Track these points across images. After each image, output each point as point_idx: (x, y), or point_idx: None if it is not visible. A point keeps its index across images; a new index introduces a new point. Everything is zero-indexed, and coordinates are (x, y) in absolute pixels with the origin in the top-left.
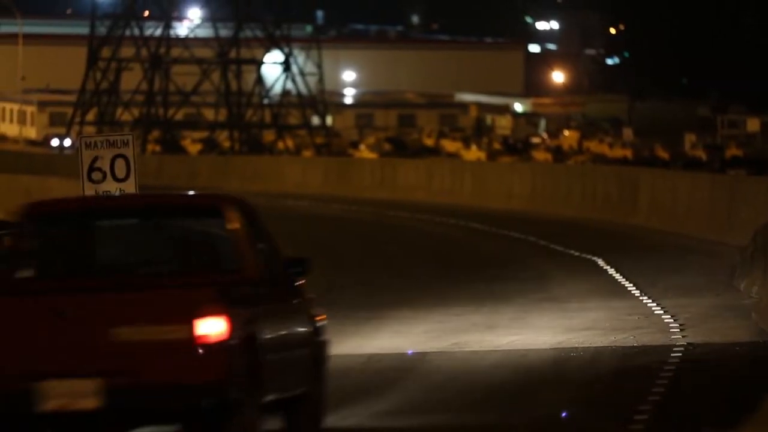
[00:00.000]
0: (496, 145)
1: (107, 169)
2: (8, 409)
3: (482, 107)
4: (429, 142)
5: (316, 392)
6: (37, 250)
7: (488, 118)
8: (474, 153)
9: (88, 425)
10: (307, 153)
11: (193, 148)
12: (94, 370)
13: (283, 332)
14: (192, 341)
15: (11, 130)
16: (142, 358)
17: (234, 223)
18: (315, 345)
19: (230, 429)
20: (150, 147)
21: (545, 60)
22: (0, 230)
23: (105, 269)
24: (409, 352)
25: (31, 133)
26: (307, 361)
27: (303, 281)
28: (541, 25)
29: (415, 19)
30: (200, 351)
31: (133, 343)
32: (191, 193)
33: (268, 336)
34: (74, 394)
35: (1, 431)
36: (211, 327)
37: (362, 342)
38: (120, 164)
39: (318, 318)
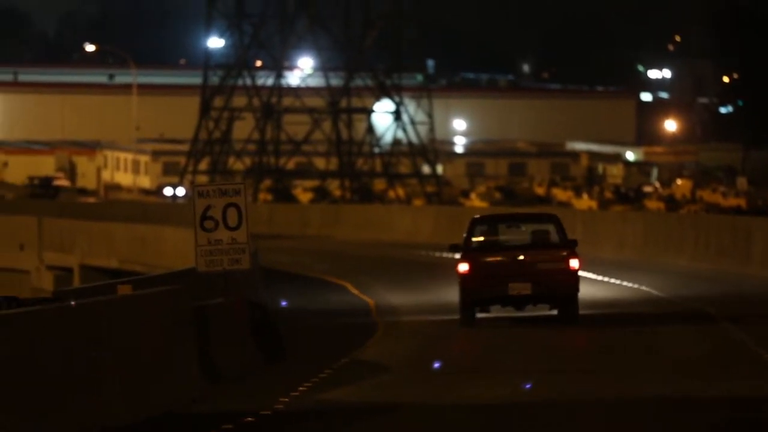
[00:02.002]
0: (608, 194)
1: (219, 217)
2: (500, 294)
3: (594, 156)
4: (540, 190)
5: (577, 295)
6: (479, 236)
7: (600, 167)
8: (585, 202)
9: (525, 300)
10: (418, 202)
11: (305, 197)
12: (528, 279)
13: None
14: (568, 269)
15: (125, 179)
16: (548, 275)
17: (558, 224)
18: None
19: (574, 306)
20: (262, 196)
21: (657, 108)
22: None
23: (506, 245)
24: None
25: (145, 182)
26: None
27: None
28: (654, 74)
29: (526, 67)
30: (571, 273)
31: (544, 269)
32: (537, 211)
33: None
34: (521, 288)
35: (497, 302)
36: (575, 263)
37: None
38: (232, 213)
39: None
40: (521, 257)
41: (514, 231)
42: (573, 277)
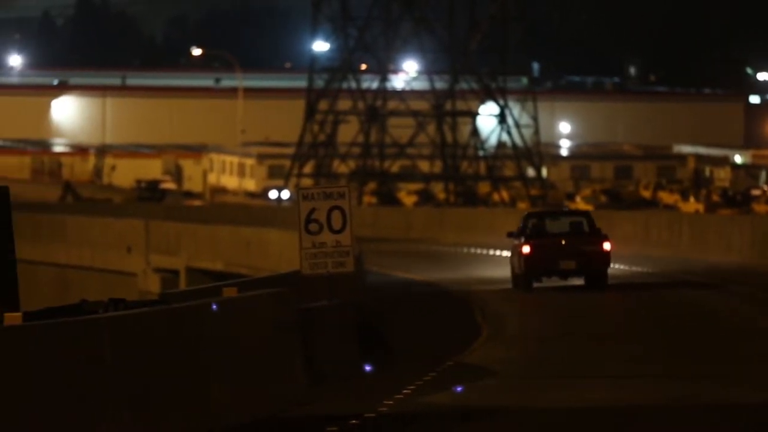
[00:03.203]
0: (715, 197)
1: (324, 220)
2: (553, 268)
3: (701, 159)
4: (646, 194)
5: (607, 270)
6: (529, 227)
7: (707, 170)
8: (692, 205)
9: (571, 273)
10: (523, 205)
11: (409, 200)
12: (574, 257)
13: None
14: (602, 250)
15: (231, 182)
16: (588, 255)
17: (590, 218)
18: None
19: (605, 277)
20: (366, 199)
21: (766, 111)
22: None
23: (553, 233)
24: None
25: (250, 185)
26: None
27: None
28: (763, 76)
29: (632, 70)
30: (604, 253)
31: (585, 250)
32: (572, 208)
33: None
34: (568, 264)
35: (550, 274)
36: (608, 246)
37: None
38: (336, 216)
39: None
40: (566, 242)
41: (556, 222)
42: (606, 256)
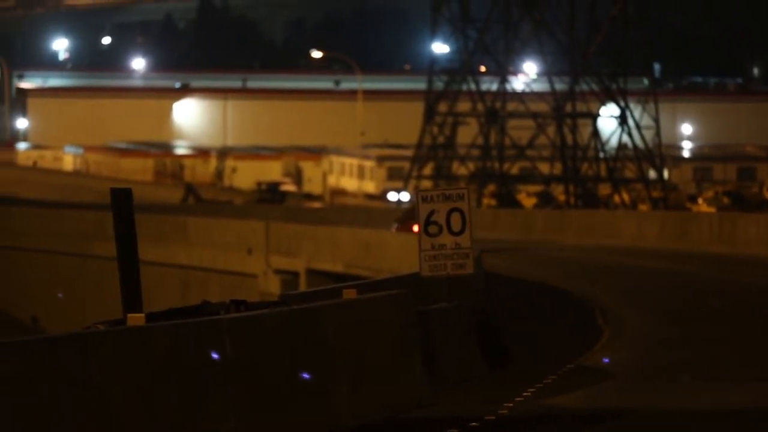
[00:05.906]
0: None
1: (443, 222)
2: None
3: None
4: None
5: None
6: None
7: None
8: None
9: None
10: (643, 207)
11: (528, 202)
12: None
13: None
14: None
15: (351, 184)
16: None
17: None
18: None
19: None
20: (485, 201)
21: None
22: None
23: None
24: None
25: (370, 187)
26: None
27: None
28: None
29: (755, 71)
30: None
31: None
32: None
33: None
34: None
35: None
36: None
37: None
38: (455, 218)
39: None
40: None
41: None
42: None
